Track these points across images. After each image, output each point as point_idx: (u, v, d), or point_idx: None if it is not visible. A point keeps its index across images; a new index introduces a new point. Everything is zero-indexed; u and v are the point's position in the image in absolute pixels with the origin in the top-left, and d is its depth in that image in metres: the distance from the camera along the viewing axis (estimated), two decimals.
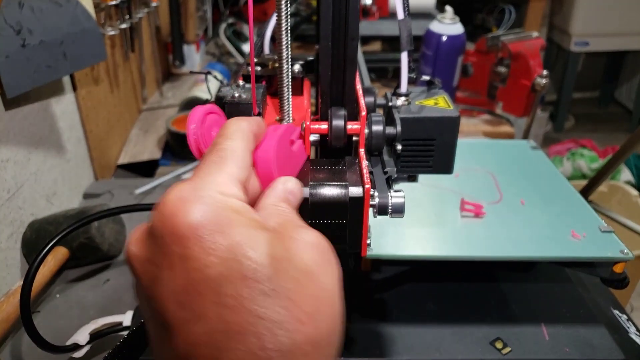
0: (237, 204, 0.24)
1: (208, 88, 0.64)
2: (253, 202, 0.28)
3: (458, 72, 1.12)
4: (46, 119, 0.72)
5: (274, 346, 0.21)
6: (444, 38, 1.07)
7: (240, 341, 0.21)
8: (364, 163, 0.37)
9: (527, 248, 0.52)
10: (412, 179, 0.48)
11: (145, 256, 0.24)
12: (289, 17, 0.32)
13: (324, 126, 0.40)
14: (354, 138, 0.41)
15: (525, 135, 1.03)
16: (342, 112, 0.40)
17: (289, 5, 0.31)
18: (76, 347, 0.52)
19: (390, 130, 0.42)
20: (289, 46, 0.33)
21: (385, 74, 1.31)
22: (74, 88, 0.80)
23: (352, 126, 0.40)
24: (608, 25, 2.25)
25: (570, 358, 0.51)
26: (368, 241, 0.36)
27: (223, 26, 1.43)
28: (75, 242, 0.64)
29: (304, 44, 1.40)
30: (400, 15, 0.42)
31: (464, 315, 0.56)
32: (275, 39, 0.33)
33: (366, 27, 1.29)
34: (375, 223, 0.52)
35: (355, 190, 0.34)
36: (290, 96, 0.36)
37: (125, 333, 0.55)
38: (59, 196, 0.76)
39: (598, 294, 0.61)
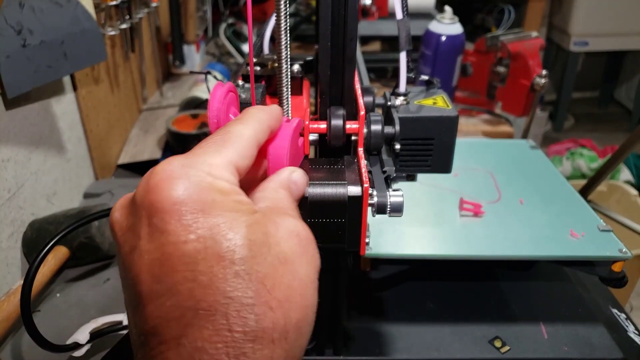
0: (224, 185, 0.24)
1: (208, 88, 0.64)
2: (253, 187, 0.28)
3: (457, 72, 1.12)
4: (46, 118, 0.72)
5: (241, 328, 0.21)
6: (443, 38, 1.07)
7: (209, 320, 0.21)
8: (363, 162, 0.37)
9: (526, 247, 0.53)
10: (411, 178, 0.48)
11: (126, 224, 0.24)
12: (288, 17, 0.32)
13: (323, 126, 0.40)
14: (353, 137, 0.41)
15: (525, 135, 1.03)
16: (341, 112, 0.40)
17: (288, 5, 0.32)
18: (76, 346, 0.52)
19: (389, 129, 0.42)
20: (288, 46, 0.33)
21: (384, 73, 1.31)
22: (74, 88, 0.80)
23: (351, 126, 0.40)
24: (607, 25, 2.25)
25: (569, 357, 0.51)
26: (367, 240, 0.36)
27: (223, 26, 1.43)
28: (75, 242, 0.64)
29: (303, 44, 1.41)
30: (399, 15, 0.42)
31: (463, 314, 0.56)
32: (275, 39, 0.34)
33: (365, 27, 1.29)
34: (374, 222, 0.52)
35: (354, 190, 0.34)
36: (290, 96, 0.36)
37: (125, 332, 0.55)
38: (60, 196, 0.76)
39: (597, 293, 0.61)
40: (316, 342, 0.52)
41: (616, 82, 2.81)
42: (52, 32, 0.66)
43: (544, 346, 0.53)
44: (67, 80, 0.78)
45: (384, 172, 0.39)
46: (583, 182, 1.15)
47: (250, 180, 0.30)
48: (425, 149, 0.44)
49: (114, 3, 0.87)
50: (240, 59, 1.38)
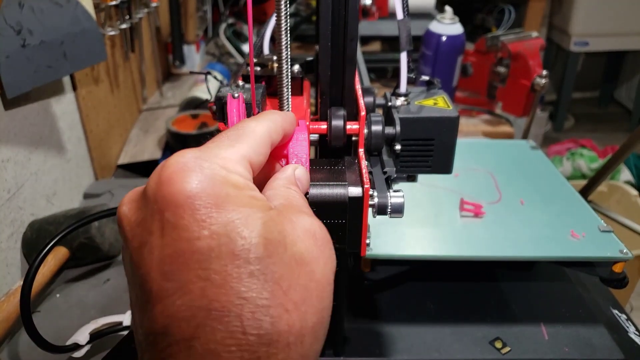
0: (238, 179, 0.23)
1: (208, 88, 0.64)
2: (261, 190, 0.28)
3: (457, 72, 1.12)
4: (46, 119, 0.72)
5: (256, 331, 0.20)
6: (444, 38, 1.07)
7: (221, 321, 0.20)
8: (363, 163, 0.37)
9: (526, 248, 0.53)
10: (412, 178, 0.48)
11: (136, 219, 0.23)
12: (288, 17, 0.32)
13: (323, 126, 0.40)
14: (354, 138, 0.41)
15: (525, 135, 1.03)
16: (342, 112, 0.40)
17: (288, 5, 0.32)
18: (76, 346, 0.52)
19: (389, 130, 0.42)
20: (289, 46, 0.33)
21: (385, 74, 1.31)
22: (74, 88, 0.80)
23: (351, 126, 0.40)
24: (608, 25, 2.25)
25: (570, 358, 0.51)
26: (367, 241, 0.36)
27: (223, 26, 1.43)
28: (75, 242, 0.64)
29: (303, 44, 1.41)
30: (400, 15, 0.42)
31: (464, 315, 0.56)
32: (275, 39, 0.33)
33: (366, 27, 1.29)
34: (374, 223, 0.52)
35: (355, 190, 0.34)
36: (290, 96, 0.36)
37: (125, 333, 0.55)
38: (59, 196, 0.76)
39: (597, 294, 0.61)
40: None
41: (616, 82, 2.81)
42: (52, 32, 0.65)
43: (545, 347, 0.53)
44: (67, 80, 0.78)
45: (385, 172, 0.39)
46: (583, 182, 1.15)
47: (263, 183, 0.30)
48: (425, 150, 0.44)
49: (114, 3, 0.86)
50: (240, 59, 1.38)
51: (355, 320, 0.56)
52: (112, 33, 0.88)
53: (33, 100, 0.68)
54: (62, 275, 0.66)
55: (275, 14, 0.32)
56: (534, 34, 1.08)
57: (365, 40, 1.40)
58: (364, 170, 0.36)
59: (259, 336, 0.20)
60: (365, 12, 1.13)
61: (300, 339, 0.21)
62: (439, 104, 0.45)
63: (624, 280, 0.52)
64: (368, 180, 0.35)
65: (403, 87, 0.45)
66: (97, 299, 0.62)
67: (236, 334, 0.20)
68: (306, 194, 0.32)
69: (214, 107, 0.41)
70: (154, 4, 1.09)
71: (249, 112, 0.36)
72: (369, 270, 0.57)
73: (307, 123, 0.38)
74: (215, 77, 0.61)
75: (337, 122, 0.39)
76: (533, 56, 1.01)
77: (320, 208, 0.33)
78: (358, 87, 0.42)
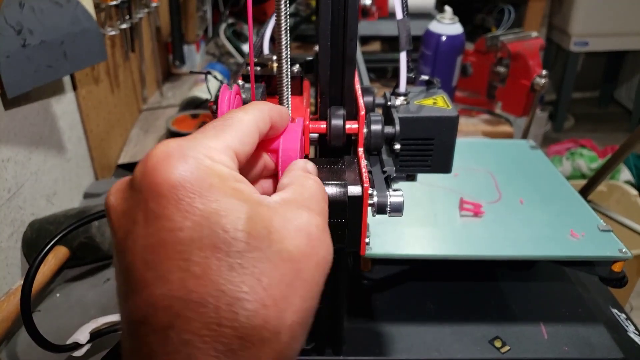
0: (222, 169, 0.23)
1: (208, 88, 0.64)
2: (253, 183, 0.27)
3: (457, 72, 1.12)
4: (46, 118, 0.72)
5: (230, 323, 0.20)
6: (443, 38, 1.07)
7: (197, 312, 0.20)
8: (363, 162, 0.37)
9: (526, 247, 0.53)
10: (411, 178, 0.48)
11: (122, 208, 0.23)
12: (288, 17, 0.32)
13: (323, 126, 0.40)
14: (353, 137, 0.41)
15: (525, 135, 1.03)
16: (341, 112, 0.40)
17: (288, 5, 0.32)
18: (76, 346, 0.52)
19: (389, 129, 0.42)
20: (289, 46, 0.33)
21: (385, 73, 1.31)
22: (74, 88, 0.80)
23: (351, 125, 0.40)
24: (608, 25, 2.25)
25: (569, 357, 0.51)
26: (367, 240, 0.36)
27: (223, 26, 1.43)
28: (75, 242, 0.64)
29: (303, 44, 1.41)
30: (399, 15, 0.42)
31: (463, 315, 0.56)
32: (275, 39, 0.34)
33: (365, 27, 1.29)
34: (374, 222, 0.52)
35: (354, 190, 0.34)
36: (290, 96, 0.36)
37: None
38: (60, 196, 0.76)
39: (597, 293, 0.61)
40: (316, 343, 0.52)
41: (616, 82, 2.81)
42: (52, 32, 0.66)
43: (544, 346, 0.53)
44: (67, 80, 0.78)
45: (384, 172, 0.39)
46: (583, 182, 1.15)
47: (251, 176, 0.30)
48: (425, 149, 0.44)
49: (114, 3, 0.87)
50: (240, 59, 1.38)
51: (355, 320, 0.56)
52: (112, 33, 0.88)
53: (33, 100, 0.69)
54: (62, 275, 0.66)
55: (275, 14, 0.32)
56: (534, 34, 1.08)
57: (365, 40, 1.40)
58: (364, 170, 0.36)
59: (234, 329, 0.20)
60: (365, 12, 1.13)
61: (276, 336, 0.21)
62: (438, 103, 0.45)
63: (623, 279, 0.52)
64: (367, 180, 0.35)
65: (402, 86, 0.45)
66: (97, 298, 0.63)
67: (211, 325, 0.20)
68: None
69: (214, 107, 0.41)
70: (154, 4, 1.09)
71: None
72: (369, 269, 0.57)
73: (307, 122, 0.39)
74: (215, 77, 0.61)
75: (337, 122, 0.39)
76: (533, 56, 1.01)
77: None
78: (358, 86, 0.42)
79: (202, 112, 1.04)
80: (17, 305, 0.54)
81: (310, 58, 0.55)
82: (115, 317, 0.56)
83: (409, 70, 0.44)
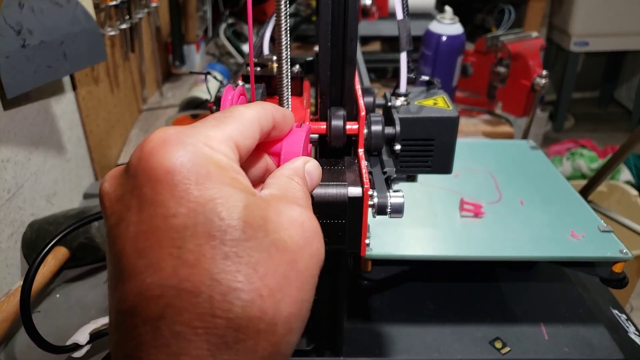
0: (221, 158, 0.22)
1: (208, 88, 0.64)
2: (255, 185, 0.27)
3: (457, 72, 1.12)
4: (46, 119, 0.72)
5: (225, 314, 0.20)
6: (444, 38, 1.07)
7: (190, 301, 0.20)
8: (363, 163, 0.37)
9: (526, 248, 0.53)
10: (411, 179, 0.48)
11: (116, 195, 0.22)
12: (288, 17, 0.32)
13: (323, 126, 0.40)
14: (353, 138, 0.41)
15: (525, 135, 1.03)
16: (342, 112, 0.40)
17: (288, 5, 0.32)
18: (76, 347, 0.52)
19: (389, 130, 0.42)
20: (289, 46, 0.33)
21: (385, 74, 1.31)
22: (74, 88, 0.80)
23: (351, 126, 0.40)
24: (608, 25, 2.25)
25: (570, 358, 0.51)
26: (367, 241, 0.36)
27: (223, 26, 1.43)
28: (75, 242, 0.64)
29: (303, 45, 1.41)
30: (400, 15, 0.42)
31: (464, 315, 0.56)
32: (275, 40, 0.33)
33: (365, 28, 1.29)
34: (374, 223, 0.52)
35: (354, 190, 0.34)
36: (290, 96, 0.36)
37: None
38: (59, 196, 0.76)
39: (597, 294, 0.61)
40: (316, 343, 0.51)
41: (616, 82, 2.81)
42: (52, 32, 0.65)
43: (545, 347, 0.53)
44: (66, 80, 0.78)
45: (385, 172, 0.39)
46: (583, 182, 1.15)
47: (253, 178, 0.29)
48: (425, 150, 0.44)
49: (113, 3, 0.86)
50: (240, 59, 1.38)
51: (355, 320, 0.56)
52: (112, 33, 0.88)
53: (33, 100, 0.68)
54: (62, 275, 0.66)
55: (275, 14, 0.32)
56: (534, 34, 1.08)
57: (365, 40, 1.40)
58: (364, 171, 0.36)
59: (228, 320, 0.20)
60: (365, 12, 1.13)
61: (272, 328, 0.21)
62: (438, 104, 0.45)
63: (623, 280, 0.52)
64: (368, 180, 0.35)
65: (403, 87, 0.45)
66: (97, 299, 0.62)
67: (204, 316, 0.20)
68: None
69: (214, 107, 0.41)
70: (154, 4, 1.09)
71: None
72: (369, 270, 0.57)
73: (307, 122, 0.38)
74: (215, 77, 0.61)
75: (337, 122, 0.39)
76: (533, 56, 1.01)
77: (320, 208, 0.33)
78: (358, 87, 0.42)
79: (202, 112, 1.04)
80: (16, 306, 0.54)
81: (310, 58, 0.55)
82: None
83: (409, 70, 0.44)
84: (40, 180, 0.70)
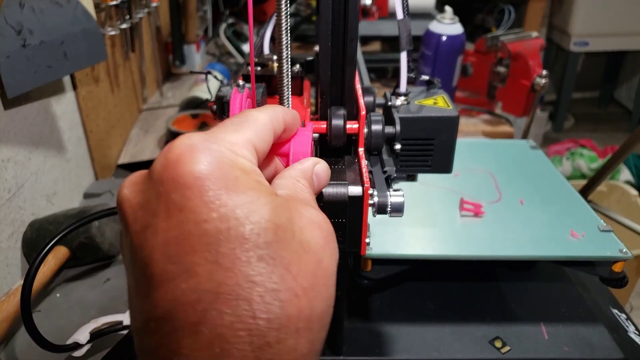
0: (246, 164, 0.23)
1: (208, 88, 0.65)
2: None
3: (457, 72, 1.12)
4: (46, 118, 0.72)
5: (265, 315, 0.20)
6: (444, 38, 1.07)
7: (229, 304, 0.20)
8: (364, 162, 0.37)
9: (526, 247, 0.53)
10: (412, 178, 0.48)
11: (139, 201, 0.22)
12: (288, 17, 0.32)
13: (323, 126, 0.40)
14: (354, 137, 0.41)
15: (525, 135, 1.03)
16: (342, 112, 0.40)
17: (288, 5, 0.32)
18: (77, 346, 0.52)
19: (389, 129, 0.42)
20: (289, 46, 0.33)
21: (385, 74, 1.31)
22: (74, 88, 0.80)
23: (351, 126, 0.40)
24: (608, 25, 2.25)
25: (570, 357, 0.51)
26: (367, 240, 0.36)
27: (223, 26, 1.43)
28: (75, 242, 0.64)
29: (303, 44, 1.41)
30: (400, 15, 0.42)
31: (464, 315, 0.56)
32: (275, 39, 0.34)
33: (366, 27, 1.29)
34: (374, 222, 0.52)
35: (355, 190, 0.34)
36: (290, 96, 0.36)
37: (125, 332, 0.55)
38: (60, 196, 0.76)
39: (597, 293, 0.61)
40: None
41: (616, 82, 2.81)
42: (52, 32, 0.66)
43: (545, 346, 0.53)
44: (67, 80, 0.78)
45: (385, 172, 0.39)
46: (583, 182, 1.15)
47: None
48: (425, 149, 0.44)
49: (114, 3, 0.87)
50: (240, 59, 1.38)
51: (355, 320, 0.56)
52: (112, 33, 0.88)
53: (33, 100, 0.69)
54: (62, 275, 0.66)
55: (275, 14, 0.32)
56: (534, 34, 1.08)
57: (365, 40, 1.40)
58: (364, 170, 0.36)
59: (269, 320, 0.20)
60: (365, 12, 1.13)
61: (309, 325, 0.21)
62: (438, 103, 0.45)
63: (623, 279, 0.52)
64: (368, 180, 0.35)
65: (403, 86, 0.45)
66: (97, 298, 0.62)
67: (245, 318, 0.20)
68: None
69: (214, 107, 0.41)
70: (154, 4, 1.09)
71: None
72: (369, 269, 0.58)
73: (307, 122, 0.38)
74: (215, 77, 0.61)
75: (337, 122, 0.39)
76: (533, 56, 1.01)
77: (321, 207, 0.33)
78: (358, 86, 0.42)
79: (202, 112, 1.04)
80: (17, 305, 0.54)
81: (310, 58, 0.55)
82: (115, 317, 0.56)
83: (409, 70, 0.44)
84: (41, 180, 0.70)
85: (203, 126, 0.98)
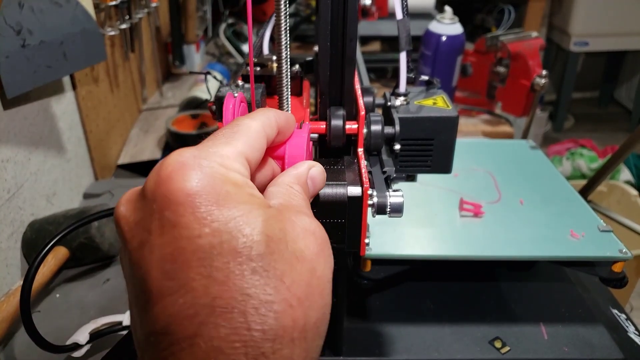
0: (237, 177, 0.23)
1: (208, 88, 0.64)
2: (262, 190, 0.27)
3: (457, 72, 1.12)
4: (46, 119, 0.72)
5: (260, 326, 0.20)
6: (443, 38, 1.07)
7: (225, 317, 0.20)
8: (363, 163, 0.37)
9: (526, 248, 0.53)
10: (411, 178, 0.48)
11: (134, 219, 0.23)
12: (288, 17, 0.32)
13: (322, 126, 0.40)
14: (353, 138, 0.41)
15: (525, 135, 1.03)
16: (341, 112, 0.40)
17: (288, 5, 0.32)
18: (76, 346, 0.52)
19: (389, 130, 0.42)
20: (288, 46, 0.33)
21: (384, 74, 1.31)
22: (74, 88, 0.80)
23: (350, 126, 0.40)
24: (608, 25, 2.25)
25: (569, 357, 0.51)
26: (367, 240, 0.36)
27: (223, 26, 1.43)
28: (75, 242, 0.64)
29: (303, 44, 1.41)
30: (399, 15, 0.42)
31: (463, 315, 0.56)
32: (275, 39, 0.34)
33: (365, 27, 1.29)
34: (374, 222, 0.52)
35: (354, 190, 0.34)
36: (290, 96, 0.36)
37: (125, 332, 0.55)
38: (59, 196, 0.76)
39: (597, 294, 0.61)
40: None
41: (616, 82, 2.81)
42: (52, 32, 0.66)
43: (544, 347, 0.53)
44: (66, 80, 0.78)
45: (384, 172, 0.39)
46: (583, 182, 1.15)
47: (259, 182, 0.29)
48: (425, 149, 0.44)
49: (113, 3, 0.87)
50: (240, 59, 1.38)
51: (355, 320, 0.56)
52: (112, 33, 0.88)
53: (33, 100, 0.68)
54: (61, 275, 0.66)
55: (275, 14, 0.32)
56: (534, 34, 1.08)
57: (365, 40, 1.40)
58: (364, 170, 0.36)
59: (264, 332, 0.20)
60: (365, 12, 1.13)
61: (304, 335, 0.22)
62: (438, 103, 0.45)
63: (623, 279, 0.52)
64: (367, 180, 0.35)
65: (402, 87, 0.45)
66: (96, 298, 0.62)
67: (240, 330, 0.20)
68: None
69: (214, 107, 0.41)
70: (153, 4, 1.09)
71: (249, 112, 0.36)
72: (369, 269, 0.58)
73: (307, 122, 0.38)
74: (215, 77, 0.61)
75: (337, 122, 0.39)
76: (533, 56, 1.01)
77: (320, 207, 0.34)
78: (357, 87, 0.42)
79: (202, 112, 1.04)
80: (16, 306, 0.54)
81: (310, 58, 0.55)
82: (114, 318, 0.56)
83: (408, 70, 0.44)
84: (40, 180, 0.70)
85: (203, 126, 0.98)
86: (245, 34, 1.45)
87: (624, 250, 0.51)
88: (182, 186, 0.21)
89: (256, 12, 1.44)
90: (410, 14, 0.43)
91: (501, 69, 1.07)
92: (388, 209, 0.35)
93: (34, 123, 0.69)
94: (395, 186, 0.39)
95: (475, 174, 0.67)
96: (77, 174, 0.82)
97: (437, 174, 0.46)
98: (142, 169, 0.96)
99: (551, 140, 2.25)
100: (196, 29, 1.32)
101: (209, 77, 0.58)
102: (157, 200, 0.22)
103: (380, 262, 0.52)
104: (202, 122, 1.00)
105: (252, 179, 0.28)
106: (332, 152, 0.41)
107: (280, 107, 0.38)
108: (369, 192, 0.34)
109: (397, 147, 0.42)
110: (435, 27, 1.09)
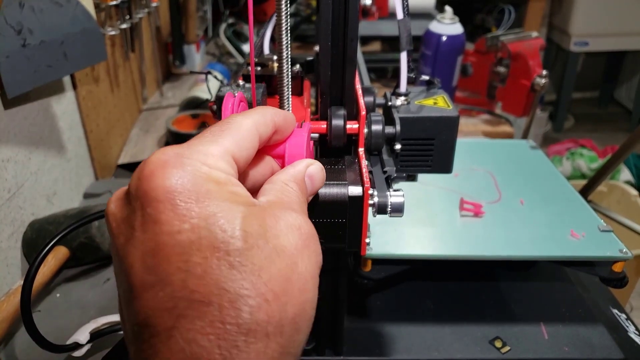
0: (220, 175, 0.24)
1: (208, 88, 0.65)
2: (258, 189, 0.27)
3: (457, 72, 1.12)
4: (46, 118, 0.72)
5: (234, 320, 0.21)
6: (444, 38, 1.07)
7: (201, 311, 0.21)
8: (364, 162, 0.37)
9: (526, 247, 0.53)
10: (412, 178, 0.48)
11: (121, 216, 0.24)
12: (288, 17, 0.32)
13: (323, 126, 0.40)
14: (354, 137, 0.41)
15: (525, 135, 1.03)
16: (342, 112, 0.40)
17: (288, 5, 0.32)
18: (77, 346, 0.52)
19: (389, 129, 0.42)
20: (289, 46, 0.33)
21: (385, 74, 1.31)
22: (74, 88, 0.80)
23: (351, 126, 0.40)
24: (608, 25, 2.25)
25: (570, 357, 0.51)
26: (367, 240, 0.36)
27: (223, 26, 1.43)
28: (75, 242, 0.64)
29: (303, 44, 1.41)
30: (400, 15, 0.42)
31: (463, 315, 0.56)
32: (275, 39, 0.34)
33: (366, 27, 1.29)
34: (374, 222, 0.52)
35: (355, 190, 0.34)
36: (290, 96, 0.36)
37: None
38: (60, 196, 0.76)
39: (597, 293, 0.61)
40: (316, 343, 0.52)
41: (616, 82, 2.81)
42: (52, 32, 0.66)
43: (545, 346, 0.53)
44: (67, 80, 0.78)
45: (385, 172, 0.39)
46: (583, 182, 1.15)
47: (257, 181, 0.29)
48: (425, 149, 0.44)
49: (114, 3, 0.87)
50: (240, 59, 1.38)
51: (355, 320, 0.56)
52: (112, 33, 0.88)
53: (33, 100, 0.68)
54: (62, 275, 0.66)
55: (275, 14, 0.32)
56: (534, 34, 1.08)
57: (366, 40, 1.40)
58: (364, 170, 0.36)
59: (238, 325, 0.21)
60: (365, 12, 1.13)
61: (280, 329, 0.22)
62: (438, 103, 0.45)
63: (623, 279, 0.52)
64: (368, 180, 0.35)
65: (403, 86, 0.45)
66: (97, 298, 0.62)
67: (215, 323, 0.21)
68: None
69: (214, 107, 0.41)
70: (154, 4, 1.09)
71: None
72: (369, 269, 0.58)
73: (308, 122, 0.38)
74: (215, 77, 0.61)
75: (337, 122, 0.39)
76: (533, 56, 1.01)
77: (321, 207, 0.34)
78: (358, 86, 0.42)
79: (203, 112, 1.04)
80: (17, 306, 0.54)
81: (310, 58, 0.55)
82: (115, 317, 0.56)
83: (409, 70, 0.44)
84: (41, 180, 0.70)
85: (203, 126, 0.98)
86: (245, 33, 1.45)
87: (624, 250, 0.51)
88: (162, 184, 0.22)
89: (257, 12, 1.44)
90: (411, 14, 0.43)
91: (501, 69, 1.07)
92: (389, 209, 0.35)
93: (34, 123, 0.69)
94: (395, 186, 0.39)
95: (476, 174, 0.67)
96: (77, 173, 0.82)
97: (438, 173, 0.46)
98: None
99: (551, 140, 2.25)
100: (196, 29, 1.32)
101: (209, 76, 0.58)
102: (139, 198, 0.23)
103: (381, 261, 0.52)
104: (202, 122, 1.00)
105: (246, 176, 0.28)
106: (332, 151, 0.41)
107: (281, 106, 0.38)
108: (370, 191, 0.34)
109: (398, 146, 0.42)
110: (435, 27, 1.09)
